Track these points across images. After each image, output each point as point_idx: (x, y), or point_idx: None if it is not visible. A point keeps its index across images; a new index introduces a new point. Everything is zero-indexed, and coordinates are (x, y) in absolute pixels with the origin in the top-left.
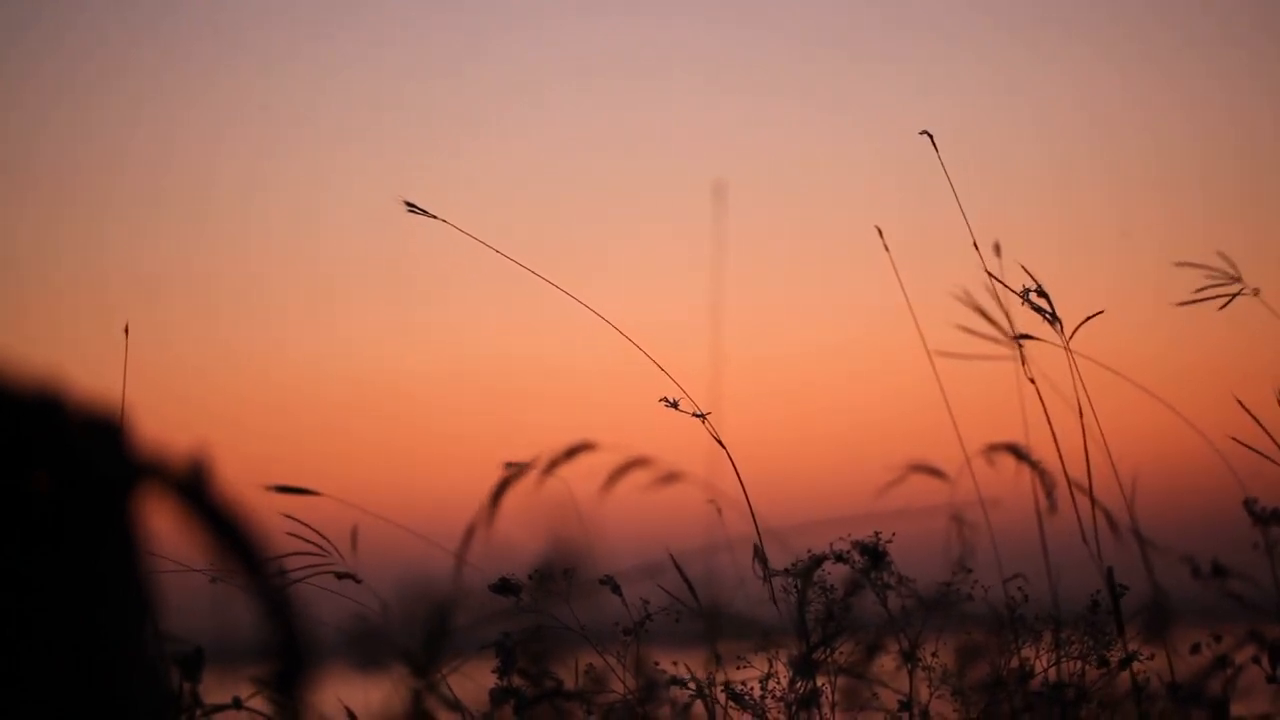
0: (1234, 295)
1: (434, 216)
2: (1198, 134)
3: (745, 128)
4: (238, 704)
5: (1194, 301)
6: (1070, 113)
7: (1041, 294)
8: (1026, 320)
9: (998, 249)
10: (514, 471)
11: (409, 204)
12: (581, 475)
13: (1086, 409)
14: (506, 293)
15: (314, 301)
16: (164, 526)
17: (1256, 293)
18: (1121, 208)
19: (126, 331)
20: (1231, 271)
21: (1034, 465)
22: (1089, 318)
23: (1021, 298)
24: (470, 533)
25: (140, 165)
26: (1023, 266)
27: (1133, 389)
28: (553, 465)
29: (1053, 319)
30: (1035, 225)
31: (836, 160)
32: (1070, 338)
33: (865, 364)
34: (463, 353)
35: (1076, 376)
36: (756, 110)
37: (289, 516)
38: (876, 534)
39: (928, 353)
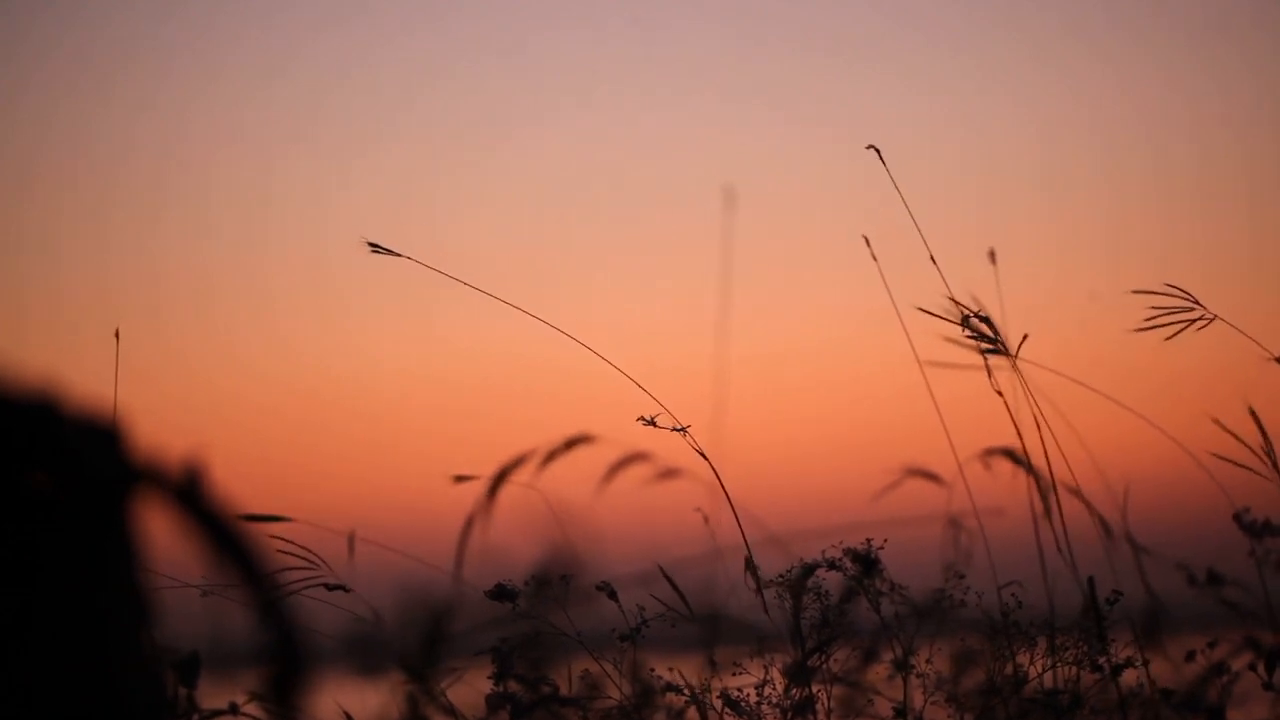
0: (1190, 322)
1: (397, 254)
2: (1194, 139)
3: (738, 135)
4: (234, 709)
5: (1147, 329)
6: (1064, 118)
7: (983, 319)
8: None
9: (992, 256)
10: (508, 465)
11: (372, 245)
12: (578, 477)
13: (1056, 420)
14: (499, 304)
15: (313, 305)
16: (160, 530)
17: (1213, 319)
18: (1115, 212)
19: (117, 336)
20: (1187, 299)
21: (1029, 470)
22: (1023, 340)
23: (962, 325)
24: (469, 526)
25: (139, 170)
26: (952, 298)
27: (1115, 400)
28: (551, 457)
29: (996, 342)
30: (1033, 226)
31: (830, 167)
32: (1016, 355)
33: (860, 368)
34: (462, 355)
35: (1029, 390)
36: (751, 116)
37: (278, 537)
38: (868, 541)
39: (918, 360)
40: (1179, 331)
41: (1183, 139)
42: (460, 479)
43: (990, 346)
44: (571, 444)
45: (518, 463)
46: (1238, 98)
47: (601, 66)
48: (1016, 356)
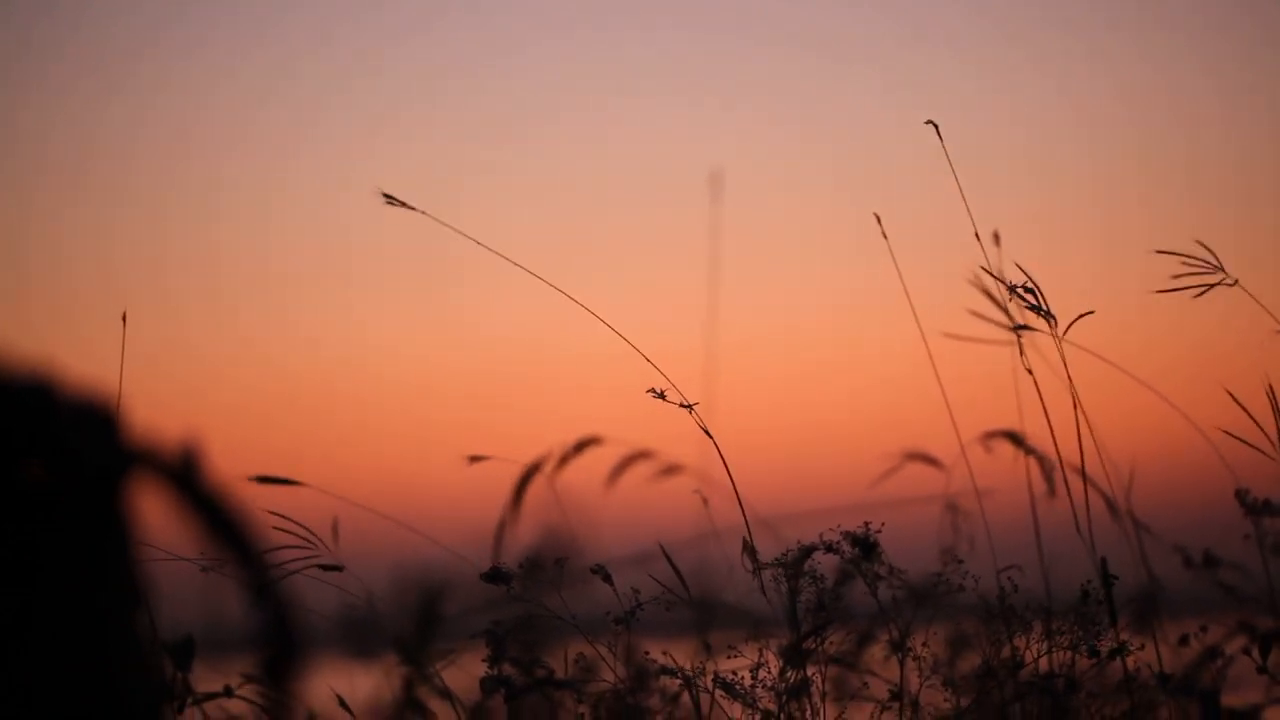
0: (1212, 285)
1: (412, 208)
2: (1184, 127)
3: (740, 124)
4: (229, 692)
5: (1172, 290)
6: (1059, 106)
7: (1031, 290)
8: (1022, 311)
9: (997, 238)
10: (534, 467)
11: (387, 196)
12: (578, 466)
13: (1081, 400)
14: (503, 283)
15: (314, 292)
16: (156, 514)
17: (1235, 283)
18: (1110, 200)
19: (124, 320)
20: (1212, 261)
21: (1032, 452)
22: (1081, 315)
23: (1010, 292)
24: (500, 531)
25: (149, 155)
26: (1016, 264)
27: (1128, 380)
28: (564, 460)
29: (1047, 315)
30: (1026, 217)
31: (830, 154)
32: (1065, 333)
33: (861, 352)
34: (460, 342)
35: (1068, 369)
36: (751, 108)
37: (274, 513)
38: (866, 524)
39: (924, 340)
40: (1203, 292)
41: (1175, 125)
42: (475, 459)
43: (1024, 323)
44: (581, 446)
45: (536, 467)
46: (1231, 90)
47: (597, 64)
48: (1064, 335)
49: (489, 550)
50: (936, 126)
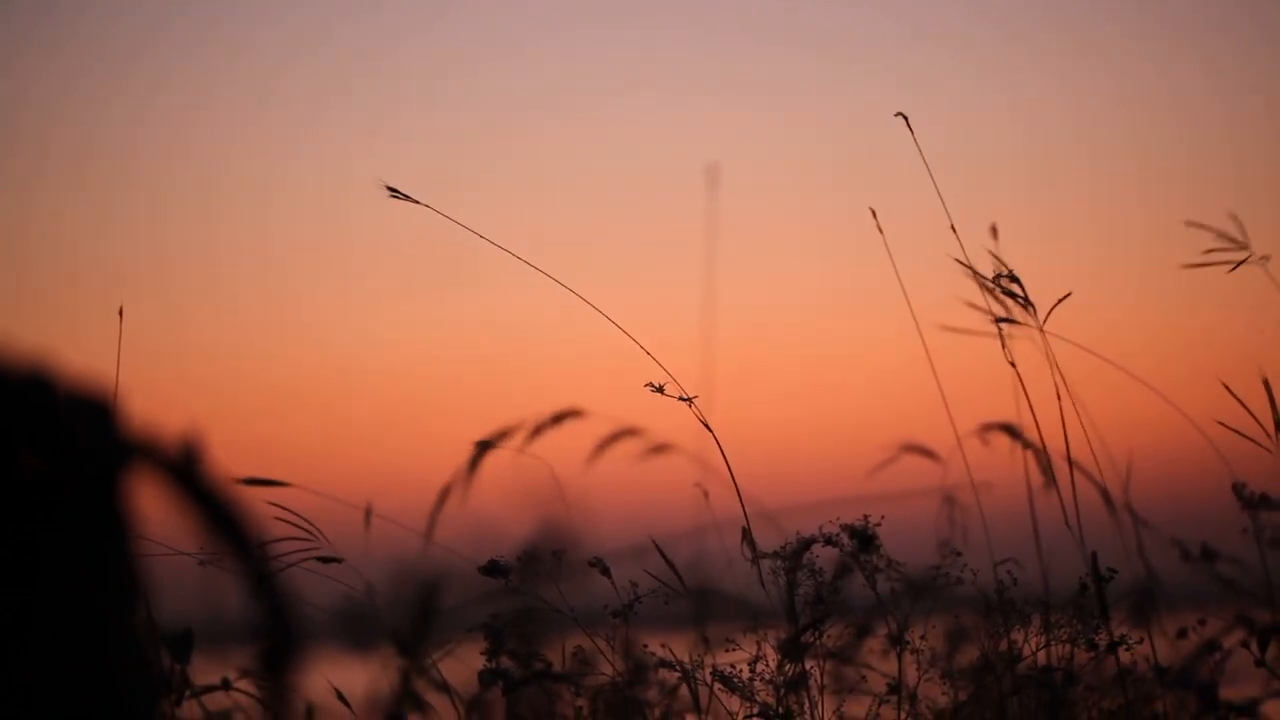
0: (1240, 261)
1: (416, 201)
2: (1184, 127)
3: (736, 118)
4: (227, 685)
5: (1201, 265)
6: (1058, 105)
7: (1013, 279)
8: (1009, 305)
9: (995, 232)
10: (494, 436)
11: (390, 189)
12: (570, 452)
13: (1068, 392)
14: (504, 280)
15: (314, 288)
16: (154, 507)
17: (1266, 259)
18: (1105, 196)
19: (120, 314)
20: (1240, 237)
21: (1028, 444)
22: (1060, 300)
23: (993, 283)
24: (444, 496)
25: (147, 157)
26: (991, 252)
27: (1125, 375)
28: (539, 430)
29: (1025, 303)
30: (1024, 215)
31: (827, 149)
32: (1044, 321)
33: (858, 345)
34: (460, 339)
35: (1053, 360)
36: (748, 103)
37: (274, 504)
38: (866, 517)
39: (920, 333)
40: (1235, 268)
41: (1175, 124)
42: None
43: (1009, 315)
44: (560, 418)
45: (503, 435)
46: (1228, 88)
47: (595, 62)
48: (1044, 324)
49: (432, 517)
50: (906, 119)
